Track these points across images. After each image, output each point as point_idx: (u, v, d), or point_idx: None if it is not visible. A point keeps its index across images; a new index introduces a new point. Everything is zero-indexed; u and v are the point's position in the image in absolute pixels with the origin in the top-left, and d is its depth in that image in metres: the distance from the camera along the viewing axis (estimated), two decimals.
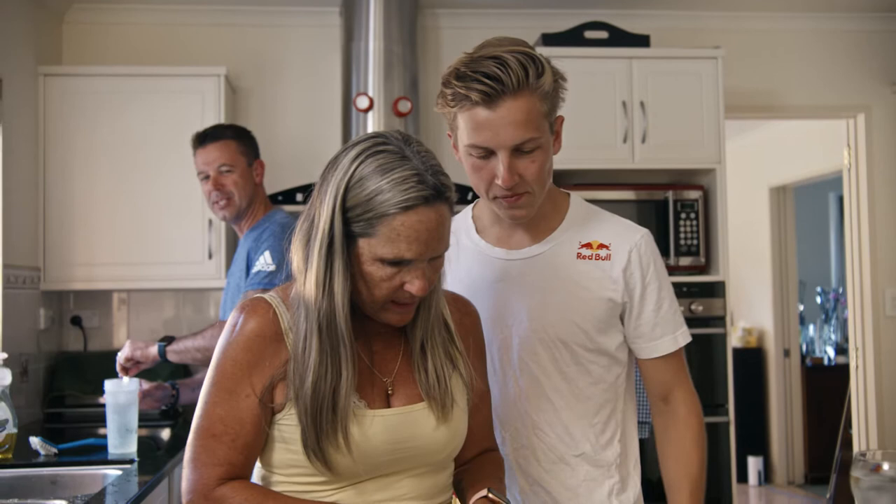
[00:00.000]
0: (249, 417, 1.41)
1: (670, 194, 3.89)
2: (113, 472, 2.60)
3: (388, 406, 1.48)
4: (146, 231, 3.78)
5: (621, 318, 1.75)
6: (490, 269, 1.77)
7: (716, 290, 3.83)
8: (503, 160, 1.57)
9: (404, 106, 3.90)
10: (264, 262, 2.74)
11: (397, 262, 1.39)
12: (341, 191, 1.38)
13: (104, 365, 3.73)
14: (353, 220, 1.38)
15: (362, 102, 3.89)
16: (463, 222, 1.83)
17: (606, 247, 1.74)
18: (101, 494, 2.32)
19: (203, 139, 2.99)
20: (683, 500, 1.75)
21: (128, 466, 2.62)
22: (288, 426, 1.43)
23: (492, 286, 1.76)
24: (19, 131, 3.59)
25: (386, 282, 1.40)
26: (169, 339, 2.88)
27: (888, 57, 4.53)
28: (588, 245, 1.74)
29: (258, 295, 1.50)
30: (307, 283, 1.42)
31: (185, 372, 3.74)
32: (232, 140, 2.98)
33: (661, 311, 1.74)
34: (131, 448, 2.74)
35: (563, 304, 1.71)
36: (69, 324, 4.03)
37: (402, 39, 4.00)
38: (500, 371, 1.76)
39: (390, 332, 1.53)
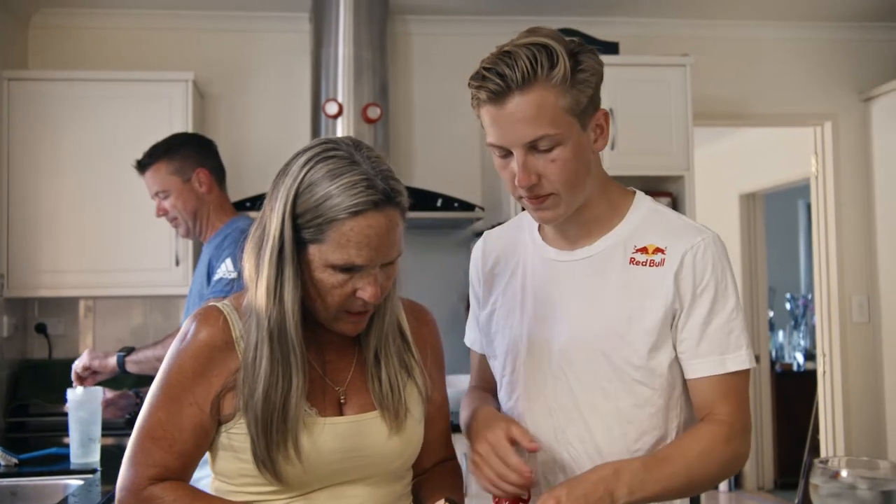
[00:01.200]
0: (189, 425, 1.42)
1: None
2: (75, 482, 2.58)
3: (341, 414, 1.46)
4: (113, 238, 3.74)
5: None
6: (541, 268, 1.65)
7: None
8: (518, 159, 1.48)
9: (374, 112, 3.89)
10: (226, 269, 2.71)
11: (348, 269, 1.38)
12: (291, 197, 1.37)
13: (69, 373, 3.66)
14: (303, 227, 1.37)
15: (331, 108, 3.87)
16: (526, 221, 1.73)
17: (662, 251, 1.56)
18: None
19: (140, 168, 2.94)
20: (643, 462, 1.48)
21: (90, 476, 2.60)
22: (237, 435, 1.42)
23: (540, 286, 1.64)
24: None
25: (338, 289, 1.39)
26: (129, 350, 2.84)
27: (855, 66, 4.58)
28: (643, 250, 1.57)
29: (212, 303, 1.49)
30: (258, 291, 1.41)
31: (150, 380, 3.70)
32: (161, 162, 2.89)
33: (711, 326, 1.53)
34: (94, 458, 2.71)
35: (609, 313, 1.56)
36: (34, 331, 3.98)
37: (372, 45, 3.99)
38: (536, 378, 1.63)
39: (344, 341, 1.52)
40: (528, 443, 1.47)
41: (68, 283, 3.72)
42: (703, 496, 3.90)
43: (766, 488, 7.05)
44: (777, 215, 7.97)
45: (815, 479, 1.36)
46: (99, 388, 2.79)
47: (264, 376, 1.39)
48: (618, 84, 3.81)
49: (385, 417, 1.48)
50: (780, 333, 7.71)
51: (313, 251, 1.38)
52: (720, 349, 1.53)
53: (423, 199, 3.77)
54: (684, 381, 1.58)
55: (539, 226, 1.69)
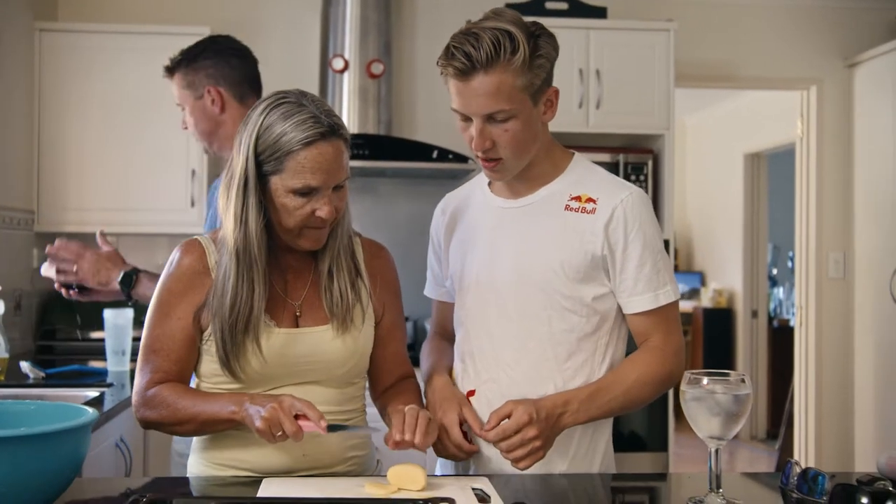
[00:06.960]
0: (180, 336, 1.74)
1: (621, 157, 4.16)
2: (92, 392, 2.91)
3: (297, 326, 1.77)
4: (134, 179, 4.04)
5: (606, 273, 1.83)
6: (489, 216, 1.91)
7: None
8: (476, 126, 1.75)
9: (377, 68, 4.17)
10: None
11: (306, 192, 1.68)
12: (252, 139, 1.68)
13: (93, 303, 4.02)
14: (264, 162, 1.68)
15: (338, 64, 4.16)
16: (479, 180, 1.99)
17: (594, 201, 1.82)
18: None
19: (167, 74, 2.61)
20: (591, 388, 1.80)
21: (105, 389, 2.93)
22: (212, 341, 1.74)
23: (489, 231, 1.90)
24: (16, 84, 3.84)
25: (299, 210, 1.69)
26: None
27: (840, 32, 4.76)
28: (577, 198, 1.83)
29: (194, 237, 1.82)
30: (227, 220, 1.72)
31: None
32: (179, 73, 2.56)
33: (644, 269, 1.81)
34: (122, 367, 3.28)
35: (545, 250, 1.82)
36: None
37: (378, 6, 4.26)
38: (481, 311, 1.89)
39: (301, 264, 1.82)
40: (477, 429, 1.79)
41: (93, 220, 4.00)
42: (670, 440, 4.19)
43: (759, 437, 7.33)
44: (783, 175, 8.11)
45: (683, 387, 1.64)
46: (129, 310, 3.22)
47: (231, 289, 1.70)
48: (605, 47, 4.05)
49: (335, 329, 1.78)
50: (780, 290, 7.91)
51: (275, 181, 1.69)
52: (653, 287, 1.82)
53: (419, 151, 4.05)
54: (612, 313, 1.86)
55: (489, 182, 1.96)
